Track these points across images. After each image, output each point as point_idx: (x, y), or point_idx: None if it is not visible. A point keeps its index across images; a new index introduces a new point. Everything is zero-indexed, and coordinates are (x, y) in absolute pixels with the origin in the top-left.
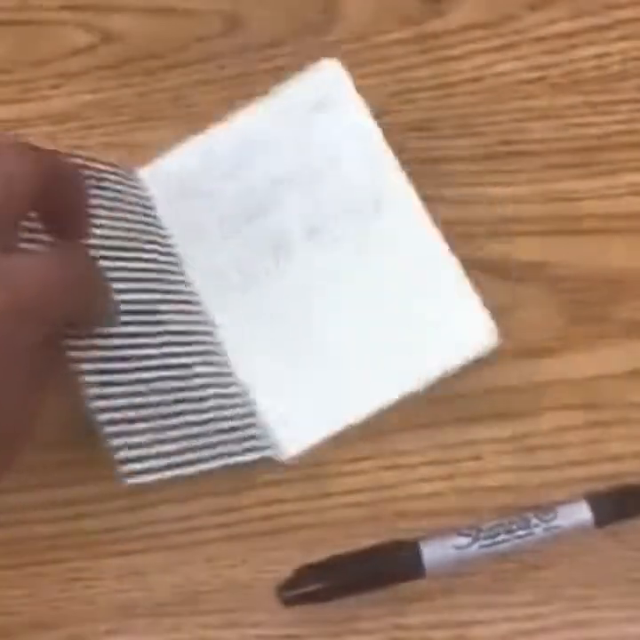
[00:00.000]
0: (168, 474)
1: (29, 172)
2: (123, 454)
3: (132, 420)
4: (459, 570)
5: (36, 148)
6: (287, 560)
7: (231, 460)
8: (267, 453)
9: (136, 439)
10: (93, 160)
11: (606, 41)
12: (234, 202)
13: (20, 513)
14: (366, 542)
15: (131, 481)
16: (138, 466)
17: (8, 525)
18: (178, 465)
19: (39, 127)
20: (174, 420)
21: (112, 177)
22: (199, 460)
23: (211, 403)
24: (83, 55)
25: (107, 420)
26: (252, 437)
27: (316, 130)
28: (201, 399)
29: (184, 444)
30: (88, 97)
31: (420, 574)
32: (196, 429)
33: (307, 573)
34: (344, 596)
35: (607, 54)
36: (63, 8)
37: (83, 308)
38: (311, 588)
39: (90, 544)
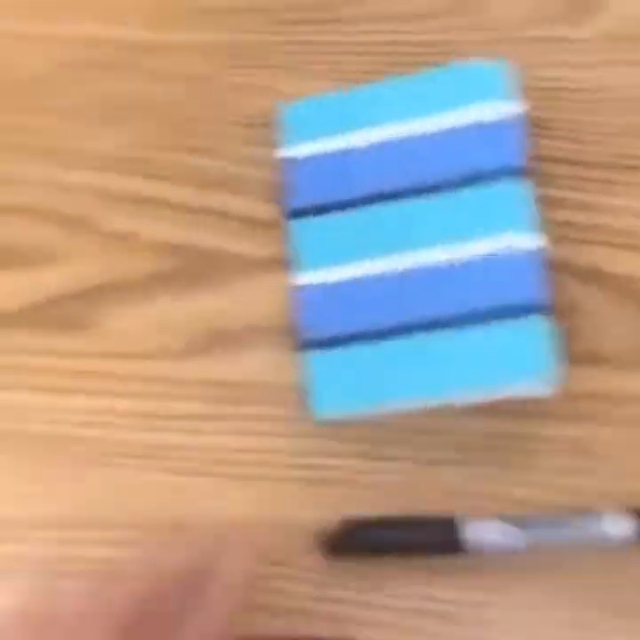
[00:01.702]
0: None
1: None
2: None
3: None
4: (496, 554)
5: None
6: (333, 512)
7: None
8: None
9: None
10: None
11: None
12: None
13: None
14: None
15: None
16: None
17: None
18: None
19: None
20: None
21: None
22: None
23: None
24: None
25: None
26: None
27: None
28: None
29: None
30: None
31: (459, 551)
32: None
33: (352, 528)
34: (383, 555)
35: None
36: None
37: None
38: (355, 542)
39: None
